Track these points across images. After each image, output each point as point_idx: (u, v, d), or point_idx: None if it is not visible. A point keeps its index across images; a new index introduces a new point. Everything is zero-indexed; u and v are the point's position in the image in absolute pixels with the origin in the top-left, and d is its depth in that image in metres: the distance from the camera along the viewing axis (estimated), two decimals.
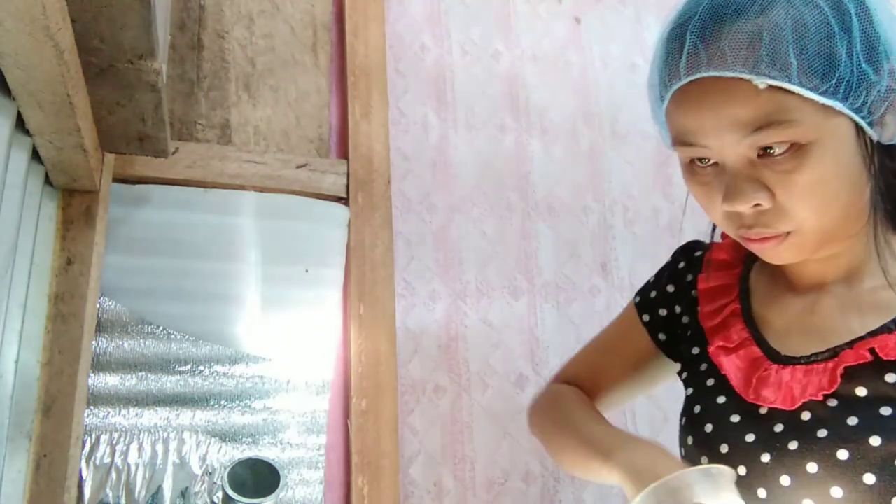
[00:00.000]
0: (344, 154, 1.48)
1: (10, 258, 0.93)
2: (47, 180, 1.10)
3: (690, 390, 0.75)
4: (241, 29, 1.49)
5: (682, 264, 0.84)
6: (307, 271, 1.38)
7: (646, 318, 0.85)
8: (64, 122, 0.90)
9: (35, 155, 1.00)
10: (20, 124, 0.90)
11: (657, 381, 0.87)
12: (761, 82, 0.56)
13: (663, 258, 0.90)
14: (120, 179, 1.28)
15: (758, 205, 0.60)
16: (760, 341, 0.69)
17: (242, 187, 1.37)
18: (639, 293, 0.87)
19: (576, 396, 0.85)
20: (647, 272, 0.92)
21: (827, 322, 0.66)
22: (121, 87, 0.95)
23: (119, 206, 1.27)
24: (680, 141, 0.63)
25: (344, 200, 1.44)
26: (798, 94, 0.56)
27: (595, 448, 0.71)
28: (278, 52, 1.50)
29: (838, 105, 0.57)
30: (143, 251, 1.28)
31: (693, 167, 0.64)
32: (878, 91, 0.58)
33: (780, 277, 0.72)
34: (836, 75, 0.56)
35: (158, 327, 1.27)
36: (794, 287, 0.71)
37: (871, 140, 0.60)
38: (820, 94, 0.56)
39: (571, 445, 0.76)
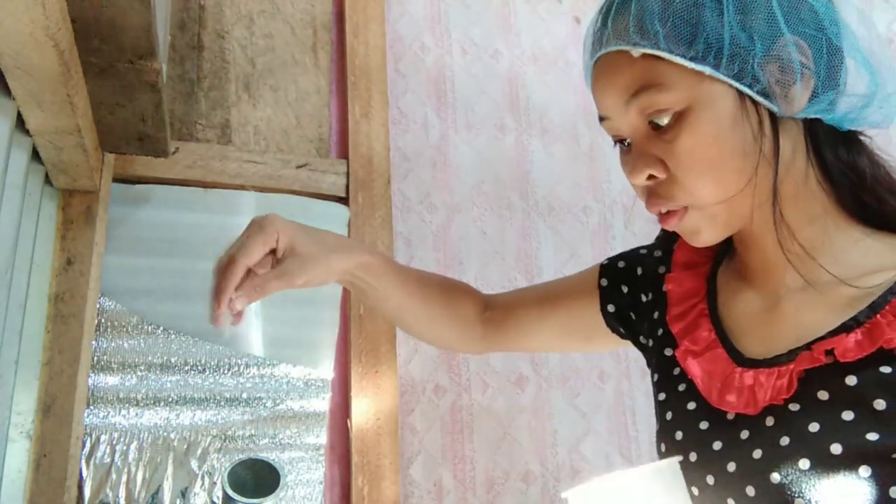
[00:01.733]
0: (344, 154, 1.48)
1: (10, 258, 0.93)
2: (47, 180, 1.10)
3: (663, 395, 0.73)
4: (241, 29, 1.49)
5: (657, 252, 0.81)
6: None
7: (604, 282, 0.84)
8: (64, 122, 0.90)
9: (35, 155, 1.00)
10: (20, 124, 0.90)
11: (592, 340, 0.87)
12: (635, 51, 0.61)
13: None
14: (120, 179, 1.28)
15: (652, 176, 0.63)
16: (726, 343, 0.67)
17: (242, 187, 1.37)
18: (609, 258, 0.86)
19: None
20: None
21: (788, 321, 0.64)
22: (121, 87, 0.95)
23: (119, 206, 1.27)
24: (599, 117, 0.68)
25: (344, 200, 1.44)
26: (670, 61, 0.60)
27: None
28: (278, 52, 1.50)
29: (708, 70, 0.59)
30: (143, 251, 1.28)
31: (620, 148, 0.68)
32: (755, 58, 0.58)
33: (744, 274, 0.70)
34: (704, 41, 0.58)
35: (158, 327, 1.27)
36: (755, 284, 0.69)
37: (771, 112, 0.60)
38: (689, 59, 0.59)
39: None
